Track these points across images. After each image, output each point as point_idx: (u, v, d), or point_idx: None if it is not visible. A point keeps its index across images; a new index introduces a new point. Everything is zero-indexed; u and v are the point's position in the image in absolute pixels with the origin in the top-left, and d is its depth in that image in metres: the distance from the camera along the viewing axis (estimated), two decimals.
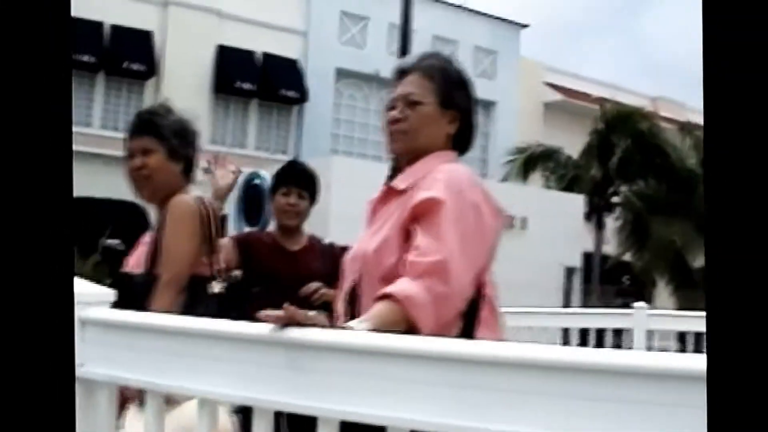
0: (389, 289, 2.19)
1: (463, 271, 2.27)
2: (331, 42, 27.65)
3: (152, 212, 3.46)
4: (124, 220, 21.26)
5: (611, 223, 25.56)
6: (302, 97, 27.00)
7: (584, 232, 22.48)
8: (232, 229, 17.82)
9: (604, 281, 25.84)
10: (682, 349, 8.58)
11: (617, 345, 8.40)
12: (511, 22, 31.12)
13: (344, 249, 2.77)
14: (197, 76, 25.67)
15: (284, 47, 26.89)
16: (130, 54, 24.33)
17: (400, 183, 2.54)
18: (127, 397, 2.63)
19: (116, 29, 24.23)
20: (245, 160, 24.59)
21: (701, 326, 8.08)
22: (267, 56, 26.58)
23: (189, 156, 3.47)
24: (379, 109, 28.63)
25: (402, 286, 2.18)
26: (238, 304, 3.17)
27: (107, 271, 13.35)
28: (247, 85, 26.16)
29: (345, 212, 14.27)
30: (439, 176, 2.40)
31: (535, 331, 7.80)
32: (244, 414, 2.69)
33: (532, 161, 25.41)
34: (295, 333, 1.80)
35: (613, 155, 24.23)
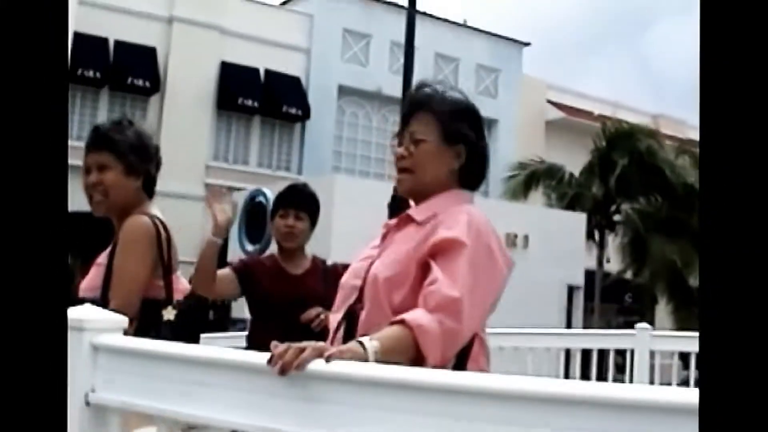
0: (404, 315, 2.24)
1: (474, 312, 2.32)
2: (334, 59, 27.70)
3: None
4: None
5: (613, 241, 25.57)
6: (305, 113, 27.03)
7: (586, 251, 22.48)
8: (235, 245, 17.80)
9: (606, 299, 25.82)
10: (685, 367, 8.60)
11: (620, 365, 8.41)
12: (513, 40, 31.19)
13: (346, 267, 2.79)
14: (200, 92, 25.72)
15: (287, 64, 26.95)
16: (134, 70, 24.39)
17: (417, 214, 2.56)
18: None
19: (120, 45, 24.30)
20: (247, 177, 24.66)
21: None
22: (270, 73, 26.63)
23: (148, 171, 3.42)
24: (381, 126, 28.71)
25: (416, 315, 2.23)
26: (190, 331, 3.16)
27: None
28: (249, 102, 26.20)
29: (347, 230, 14.30)
30: (461, 217, 2.44)
31: (538, 351, 7.81)
32: None
33: (533, 179, 25.42)
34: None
35: (612, 173, 24.27)
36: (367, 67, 28.29)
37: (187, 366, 2.05)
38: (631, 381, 7.57)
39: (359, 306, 2.50)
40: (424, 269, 2.37)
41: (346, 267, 2.85)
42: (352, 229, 13.95)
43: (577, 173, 25.37)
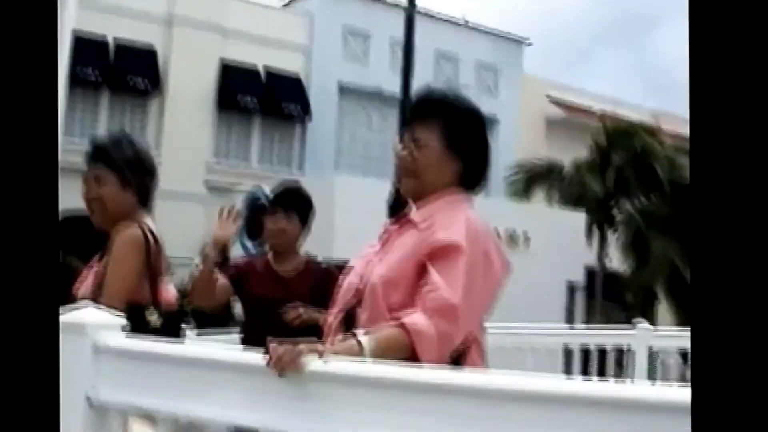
0: (403, 319, 2.28)
1: (469, 317, 2.38)
2: (334, 58, 27.70)
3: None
4: None
5: (614, 239, 25.54)
6: (305, 112, 27.02)
7: (587, 249, 22.47)
8: (236, 243, 17.74)
9: (607, 297, 25.80)
10: (684, 363, 8.62)
11: (620, 362, 8.43)
12: (513, 38, 31.18)
13: (341, 268, 2.81)
14: (201, 91, 25.72)
15: (287, 63, 26.95)
16: (135, 70, 24.38)
17: (417, 218, 2.59)
18: None
19: (120, 46, 24.30)
20: (248, 176, 24.66)
21: None
22: (270, 72, 26.63)
23: (144, 185, 3.57)
24: (382, 125, 28.71)
25: (414, 319, 2.28)
26: (172, 334, 3.26)
27: None
28: (250, 101, 26.20)
29: (349, 229, 14.32)
30: (459, 220, 2.47)
31: (538, 349, 7.82)
32: None
33: (534, 177, 25.41)
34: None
35: (612, 171, 24.27)
36: (367, 65, 28.28)
37: (188, 366, 2.08)
38: (631, 378, 7.59)
39: (358, 307, 2.53)
40: (420, 270, 2.41)
41: (340, 269, 2.87)
42: (354, 228, 13.96)
43: (577, 171, 25.35)
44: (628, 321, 8.26)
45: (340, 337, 2.41)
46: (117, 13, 23.89)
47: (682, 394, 1.43)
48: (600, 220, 24.68)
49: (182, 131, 25.21)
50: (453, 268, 2.36)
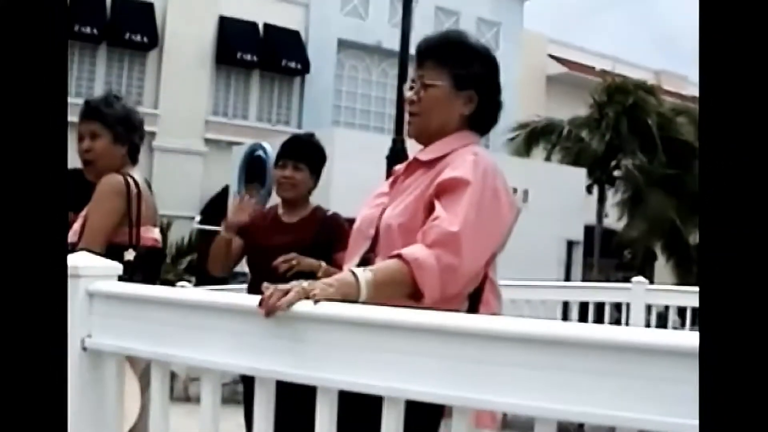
0: (401, 250, 2.23)
1: (475, 249, 2.30)
2: (333, 13, 27.56)
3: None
4: None
5: (613, 196, 25.57)
6: (304, 68, 26.95)
7: (586, 206, 22.47)
8: (235, 199, 17.77)
9: (605, 255, 25.87)
10: (681, 324, 8.64)
11: (616, 319, 8.45)
12: None
13: (349, 221, 2.79)
14: (199, 47, 25.64)
15: (286, 18, 26.83)
16: (132, 26, 24.29)
17: (424, 155, 2.57)
18: None
19: (118, 1, 24.17)
20: (247, 131, 24.63)
21: (698, 301, 8.12)
22: (269, 27, 26.51)
23: (133, 141, 3.78)
24: (381, 80, 28.63)
25: (413, 249, 2.22)
26: (147, 271, 3.53)
27: None
28: (248, 56, 26.12)
29: (347, 183, 14.29)
30: (468, 157, 2.44)
31: (535, 304, 7.84)
32: (247, 383, 2.73)
33: (534, 135, 25.38)
34: (295, 306, 1.85)
35: (609, 128, 24.26)
36: (366, 20, 28.16)
37: (181, 310, 2.08)
38: None
39: (373, 255, 2.50)
40: (430, 210, 2.36)
41: (351, 221, 2.85)
42: (351, 182, 13.94)
43: (576, 128, 25.34)
44: (625, 279, 8.26)
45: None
46: None
47: (691, 339, 1.43)
48: (599, 177, 24.68)
49: (180, 88, 25.16)
50: (457, 200, 2.31)
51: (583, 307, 8.26)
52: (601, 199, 25.07)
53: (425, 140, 2.61)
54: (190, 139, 25.34)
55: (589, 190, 23.52)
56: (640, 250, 26.86)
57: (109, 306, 2.21)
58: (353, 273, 2.12)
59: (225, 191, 21.35)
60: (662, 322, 8.91)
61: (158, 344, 2.09)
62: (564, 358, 1.57)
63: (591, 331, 1.59)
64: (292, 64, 26.79)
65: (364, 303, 2.03)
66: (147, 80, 25.48)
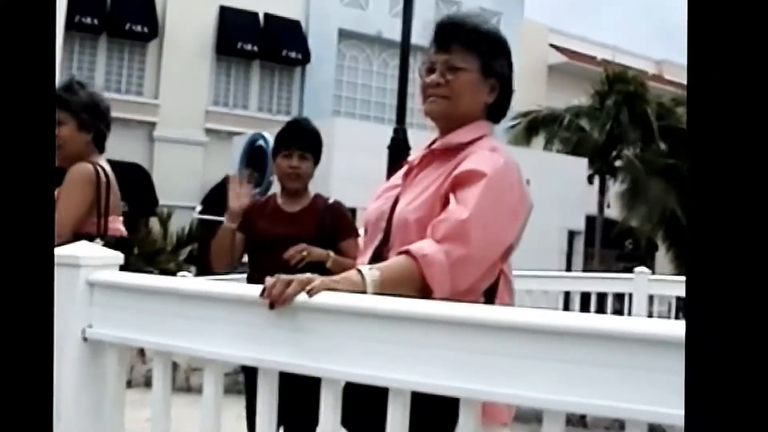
0: (410, 246, 2.19)
1: (486, 238, 2.25)
2: (333, 3, 27.50)
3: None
4: (128, 181, 21.32)
5: (614, 186, 25.57)
6: (304, 58, 26.91)
7: (587, 196, 22.47)
8: (232, 183, 17.73)
9: (606, 245, 25.88)
10: (683, 314, 8.61)
11: (617, 309, 8.45)
12: None
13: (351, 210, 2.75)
14: (199, 37, 25.60)
15: (286, 8, 26.77)
16: (133, 16, 24.23)
17: (441, 146, 2.53)
18: None
19: None
20: (247, 121, 24.61)
21: None
22: (269, 17, 26.46)
23: (99, 128, 3.78)
24: (382, 70, 28.59)
25: (422, 245, 2.18)
26: None
27: None
28: (249, 46, 26.08)
29: (347, 173, 14.30)
30: (486, 151, 2.40)
31: (536, 294, 7.83)
32: (251, 373, 2.71)
33: (534, 124, 25.37)
34: (299, 297, 1.83)
35: (611, 118, 24.26)
36: (366, 10, 28.11)
37: (183, 300, 2.06)
38: None
39: (386, 248, 2.46)
40: (446, 204, 2.31)
41: (351, 211, 2.81)
42: (351, 172, 13.97)
43: (576, 117, 25.35)
44: (626, 269, 8.25)
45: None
46: None
47: (677, 328, 1.42)
48: (600, 167, 24.68)
49: (181, 78, 25.13)
50: (470, 192, 2.26)
51: (585, 297, 8.25)
52: (602, 189, 25.07)
53: (448, 124, 2.55)
54: (190, 130, 25.32)
55: (590, 180, 23.51)
56: (642, 240, 26.88)
57: (110, 296, 2.20)
58: (359, 271, 2.08)
59: (225, 181, 21.32)
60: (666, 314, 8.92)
61: (160, 335, 2.08)
62: (572, 350, 1.55)
63: (601, 322, 1.57)
64: (293, 54, 26.74)
65: None
66: (147, 71, 25.45)
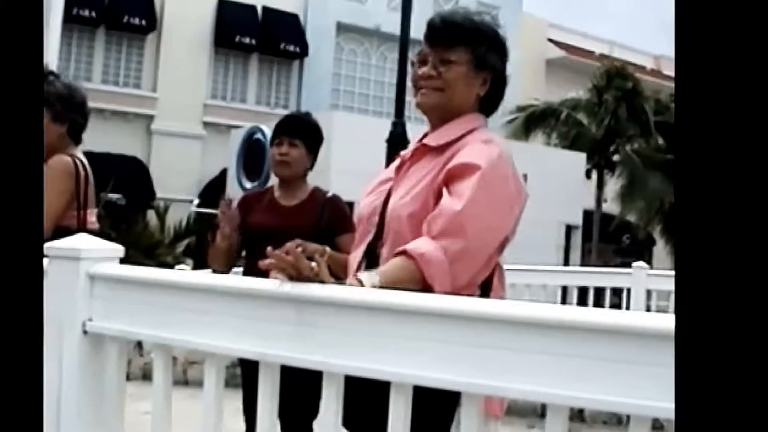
0: (406, 246, 2.19)
1: (482, 228, 2.25)
2: None
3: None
4: (125, 174, 21.29)
5: (612, 181, 25.58)
6: (303, 51, 26.90)
7: (585, 191, 22.47)
8: (233, 183, 17.70)
9: (604, 240, 25.90)
10: None
11: (615, 304, 8.43)
12: None
13: (347, 204, 2.74)
14: (197, 30, 25.57)
15: (284, 1, 26.75)
16: (131, 8, 24.20)
17: (433, 141, 2.51)
18: None
19: None
20: (245, 115, 24.60)
21: None
22: (267, 10, 26.44)
23: (74, 119, 3.75)
24: (380, 64, 28.57)
25: (418, 243, 2.18)
26: None
27: (109, 225, 13.39)
28: (247, 40, 26.06)
29: (346, 167, 14.28)
30: (479, 144, 2.39)
31: (535, 288, 7.82)
32: (249, 367, 2.70)
33: (533, 119, 25.36)
34: (302, 289, 1.83)
35: (609, 113, 24.27)
36: (365, 4, 28.08)
37: (184, 293, 2.05)
38: None
39: (379, 243, 2.46)
40: (440, 197, 2.31)
41: (350, 205, 2.80)
42: (350, 166, 13.94)
43: (574, 111, 25.35)
44: (624, 264, 8.25)
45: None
46: None
47: (667, 321, 1.42)
48: (598, 162, 24.69)
49: (179, 71, 25.11)
50: (464, 185, 2.26)
51: (582, 292, 8.24)
52: (600, 184, 25.08)
53: (440, 116, 2.54)
54: (188, 123, 25.30)
55: (588, 174, 23.52)
56: (639, 235, 26.90)
57: (111, 289, 2.19)
58: (358, 279, 2.08)
59: (223, 174, 21.35)
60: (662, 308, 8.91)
61: (160, 328, 2.07)
62: (573, 344, 1.55)
63: (602, 316, 1.57)
64: (291, 48, 26.73)
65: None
66: (145, 64, 25.43)
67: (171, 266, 11.05)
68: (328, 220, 3.99)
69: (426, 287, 2.13)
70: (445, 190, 2.31)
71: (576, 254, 21.74)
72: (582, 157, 21.94)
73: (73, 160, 3.59)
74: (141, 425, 2.27)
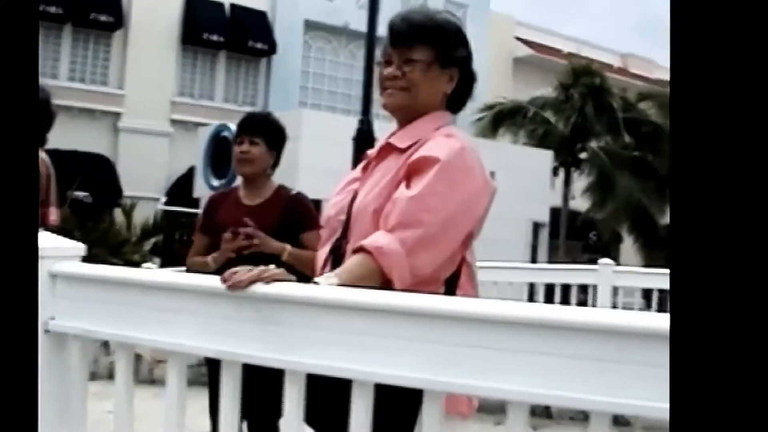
0: (363, 241, 2.18)
1: (444, 221, 2.24)
2: None
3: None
4: (92, 172, 21.14)
5: (579, 179, 25.70)
6: (271, 49, 26.81)
7: (552, 188, 22.55)
8: (201, 181, 17.59)
9: (572, 237, 26.01)
10: (647, 306, 8.67)
11: (583, 300, 8.48)
12: None
13: (315, 202, 2.73)
14: (165, 27, 25.42)
15: None
16: (98, 5, 24.00)
17: (399, 141, 2.50)
18: None
19: None
20: (213, 112, 24.47)
21: (665, 283, 8.20)
22: (235, 8, 26.33)
23: (38, 119, 3.72)
24: (348, 61, 28.53)
25: (375, 238, 2.18)
26: None
27: (76, 223, 13.28)
28: (215, 37, 25.94)
29: (314, 164, 14.25)
30: (440, 138, 2.39)
31: (502, 285, 7.84)
32: (214, 366, 2.70)
33: (500, 116, 25.41)
34: (263, 288, 1.82)
35: (576, 111, 24.40)
36: (333, 1, 28.03)
37: (147, 292, 2.05)
38: None
39: (345, 241, 2.45)
40: None
41: (317, 202, 2.80)
42: (318, 164, 13.91)
43: (542, 109, 25.44)
44: (591, 261, 8.28)
45: (328, 271, 2.28)
46: None
47: (662, 320, 1.42)
48: (565, 159, 24.79)
49: (147, 68, 24.96)
50: (423, 178, 2.25)
51: (549, 289, 8.28)
52: (567, 182, 25.18)
53: (407, 115, 2.54)
54: (156, 120, 25.16)
55: (555, 172, 23.60)
56: (607, 232, 27.04)
57: (73, 287, 2.18)
58: (314, 282, 2.05)
59: (191, 172, 21.25)
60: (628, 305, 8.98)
61: (123, 326, 2.06)
62: (536, 341, 1.56)
63: (564, 313, 1.58)
64: (259, 45, 26.64)
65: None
66: (113, 61, 25.24)
67: (138, 264, 10.98)
68: (293, 217, 4.00)
69: (386, 280, 2.12)
70: (403, 184, 2.31)
71: (544, 251, 21.81)
72: (549, 154, 21.98)
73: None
74: (105, 424, 2.27)
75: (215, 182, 14.54)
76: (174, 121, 25.66)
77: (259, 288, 1.83)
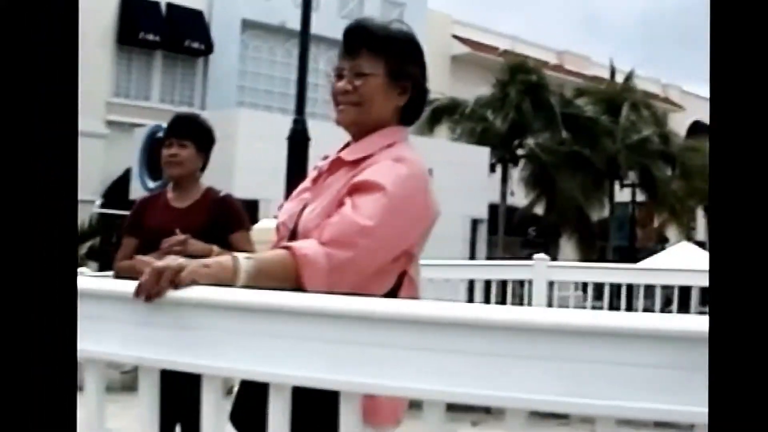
0: (293, 243, 2.18)
1: (378, 249, 2.25)
2: None
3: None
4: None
5: (517, 175, 25.92)
6: (207, 48, 26.67)
7: (490, 184, 22.72)
8: (137, 183, 17.42)
9: (510, 233, 26.22)
10: (583, 298, 8.77)
11: (520, 295, 8.55)
12: None
13: (251, 202, 2.70)
14: (100, 26, 25.13)
15: None
16: None
17: (348, 155, 2.48)
18: None
19: None
20: (149, 113, 24.26)
21: (599, 277, 8.30)
22: (171, 7, 26.14)
23: None
24: (285, 60, 28.45)
25: (305, 244, 2.17)
26: None
27: None
28: (151, 36, 25.74)
29: (250, 164, 14.21)
30: (387, 163, 2.36)
31: (438, 282, 7.86)
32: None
33: (438, 113, 25.53)
34: (175, 293, 1.81)
35: (513, 108, 24.61)
36: (270, 0, 27.94)
37: None
38: None
39: None
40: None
41: (253, 203, 2.78)
42: (255, 163, 13.88)
43: (480, 107, 25.61)
44: (530, 257, 8.35)
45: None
46: None
47: (701, 323, 1.40)
48: (503, 156, 24.99)
49: (81, 68, 24.32)
50: (366, 200, 2.24)
51: (488, 285, 8.33)
52: (504, 178, 25.38)
53: (359, 130, 2.52)
54: (90, 121, 24.80)
55: (492, 168, 23.78)
56: (545, 228, 27.32)
57: None
58: (234, 258, 2.06)
59: (127, 174, 21.04)
60: (565, 300, 9.07)
61: None
62: (452, 340, 1.57)
63: (469, 311, 1.59)
64: (196, 45, 26.49)
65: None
66: None
67: None
68: (221, 219, 3.99)
69: (299, 286, 2.11)
70: (347, 200, 2.29)
71: (482, 247, 21.96)
72: (485, 151, 22.14)
73: None
74: None
75: (151, 184, 14.43)
76: (110, 122, 25.40)
77: (172, 293, 1.82)
